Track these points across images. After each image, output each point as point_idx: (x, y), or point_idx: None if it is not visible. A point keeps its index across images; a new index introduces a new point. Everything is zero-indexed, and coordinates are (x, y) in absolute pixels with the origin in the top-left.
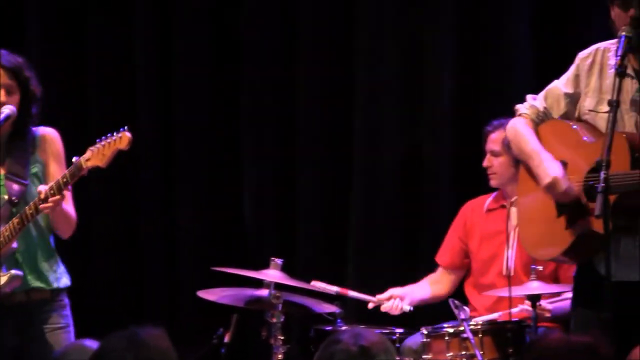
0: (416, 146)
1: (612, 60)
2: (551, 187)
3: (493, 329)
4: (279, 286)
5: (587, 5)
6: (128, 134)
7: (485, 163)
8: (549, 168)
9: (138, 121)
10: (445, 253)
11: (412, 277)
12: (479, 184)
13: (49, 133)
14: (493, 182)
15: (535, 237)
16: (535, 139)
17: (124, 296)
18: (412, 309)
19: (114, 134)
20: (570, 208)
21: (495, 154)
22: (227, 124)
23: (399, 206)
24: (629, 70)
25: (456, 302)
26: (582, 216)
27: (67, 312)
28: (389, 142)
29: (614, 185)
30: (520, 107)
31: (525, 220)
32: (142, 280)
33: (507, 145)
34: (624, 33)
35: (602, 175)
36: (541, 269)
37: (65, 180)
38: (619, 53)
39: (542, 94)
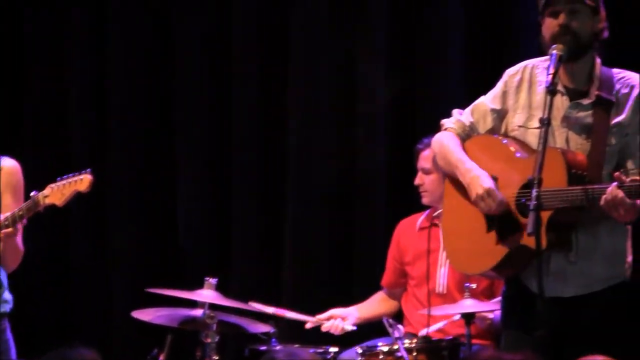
0: (350, 164)
1: (542, 77)
2: (484, 198)
3: (427, 347)
4: (213, 306)
5: (519, 23)
6: (89, 177)
7: (416, 181)
8: (481, 178)
9: (71, 140)
10: (385, 273)
11: (347, 295)
12: (413, 202)
13: (8, 165)
14: (425, 200)
15: (463, 252)
16: (462, 150)
17: (58, 317)
18: (355, 328)
19: (76, 174)
20: (501, 223)
21: (426, 172)
22: (162, 143)
23: (333, 225)
24: (560, 87)
25: (390, 320)
26: (514, 232)
27: (8, 335)
28: (323, 160)
29: (550, 202)
30: (446, 122)
31: (452, 235)
32: (76, 300)
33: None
34: (555, 51)
35: (534, 192)
36: (474, 287)
37: (20, 213)
38: (550, 71)
39: (468, 109)
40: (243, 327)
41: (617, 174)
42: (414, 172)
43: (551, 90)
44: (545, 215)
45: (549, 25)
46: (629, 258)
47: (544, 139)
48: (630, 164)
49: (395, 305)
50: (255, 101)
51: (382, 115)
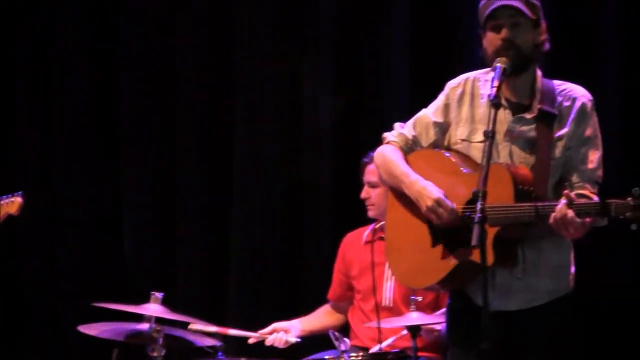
0: (296, 179)
1: (484, 90)
2: (435, 209)
3: None
4: (159, 320)
5: (462, 39)
6: (20, 200)
7: (362, 195)
8: (428, 189)
9: (15, 153)
10: (332, 287)
11: (294, 309)
12: (359, 216)
13: None
14: (371, 213)
15: (408, 266)
16: (406, 164)
17: (4, 331)
18: (299, 340)
19: (8, 196)
20: (446, 238)
21: (372, 185)
22: (107, 158)
23: (279, 239)
24: (502, 101)
25: (336, 333)
26: (459, 246)
27: None
28: (269, 175)
29: (497, 218)
30: (388, 135)
31: (396, 248)
32: (22, 314)
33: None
34: (499, 64)
35: (479, 205)
36: (420, 299)
37: None
38: (494, 83)
39: (410, 122)
40: (189, 340)
41: (565, 192)
42: (359, 186)
43: (495, 104)
44: (492, 231)
45: (492, 40)
46: (572, 269)
47: (489, 152)
48: (574, 178)
49: (341, 318)
50: (200, 119)
51: (327, 130)
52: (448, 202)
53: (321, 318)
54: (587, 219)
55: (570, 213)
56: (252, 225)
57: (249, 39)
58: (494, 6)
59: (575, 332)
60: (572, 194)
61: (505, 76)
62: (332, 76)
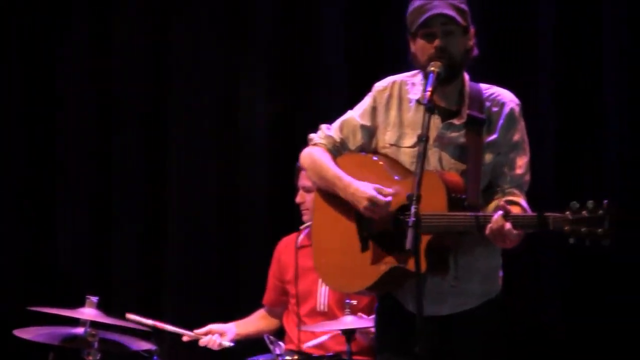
0: (232, 184)
1: (412, 94)
2: (369, 207)
3: None
4: (94, 324)
5: (398, 44)
6: None
7: (297, 199)
8: (361, 189)
9: None
10: (266, 291)
11: (229, 314)
12: (294, 221)
13: None
14: (306, 218)
15: (337, 271)
16: (336, 166)
17: None
18: (232, 344)
19: None
20: (377, 243)
21: (307, 190)
22: (42, 162)
23: (215, 243)
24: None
25: (271, 337)
26: (390, 252)
27: None
28: (205, 179)
29: (431, 226)
30: (314, 137)
31: (324, 251)
32: None
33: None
34: (433, 68)
35: (413, 209)
36: (355, 303)
37: None
38: (428, 88)
39: (337, 124)
40: (125, 344)
41: (502, 203)
42: (294, 190)
43: (429, 108)
44: (425, 239)
45: (424, 47)
46: (501, 273)
47: (423, 157)
48: (503, 183)
49: (276, 323)
50: (136, 124)
51: (263, 136)
52: (381, 197)
53: (256, 322)
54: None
55: (508, 225)
56: (189, 230)
57: (185, 45)
58: (428, 15)
59: (504, 334)
60: (508, 206)
61: (439, 81)
62: (268, 81)
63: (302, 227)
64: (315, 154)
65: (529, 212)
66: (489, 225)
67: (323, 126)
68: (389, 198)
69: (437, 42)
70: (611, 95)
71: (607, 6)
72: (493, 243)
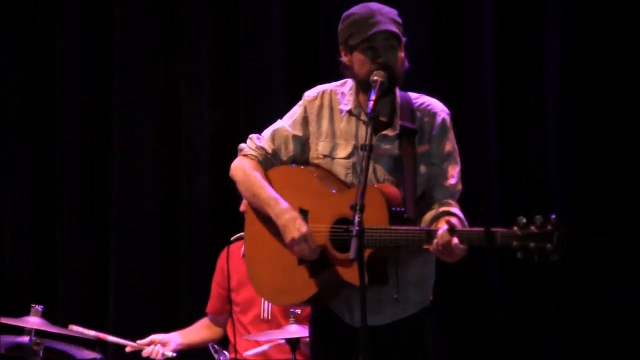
0: (175, 193)
1: (342, 105)
2: (299, 243)
3: None
4: (39, 333)
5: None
6: None
7: (242, 208)
8: (297, 222)
9: None
10: (210, 300)
11: (173, 321)
12: (237, 229)
13: None
14: None
15: (274, 284)
16: (269, 185)
17: None
18: (175, 354)
19: None
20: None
21: None
22: None
23: (158, 252)
24: (364, 117)
25: (215, 346)
26: (328, 266)
27: None
28: (148, 188)
29: (373, 239)
30: (244, 147)
31: (259, 265)
32: None
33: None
34: (376, 78)
35: (357, 218)
36: (299, 312)
37: None
38: (372, 97)
39: (267, 134)
40: (70, 353)
41: (447, 218)
42: (236, 199)
43: (373, 117)
44: (367, 252)
45: (364, 62)
46: (432, 281)
47: (366, 167)
48: (437, 194)
49: (219, 331)
50: (80, 131)
51: (206, 145)
52: (312, 240)
53: (200, 331)
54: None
55: (455, 240)
56: (132, 239)
57: (128, 55)
58: (374, 30)
59: (439, 339)
60: (453, 219)
61: (382, 90)
62: (210, 91)
63: (233, 239)
64: (247, 169)
65: (465, 222)
66: (435, 241)
67: (253, 136)
68: (317, 244)
69: (381, 59)
70: (552, 105)
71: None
72: (439, 257)
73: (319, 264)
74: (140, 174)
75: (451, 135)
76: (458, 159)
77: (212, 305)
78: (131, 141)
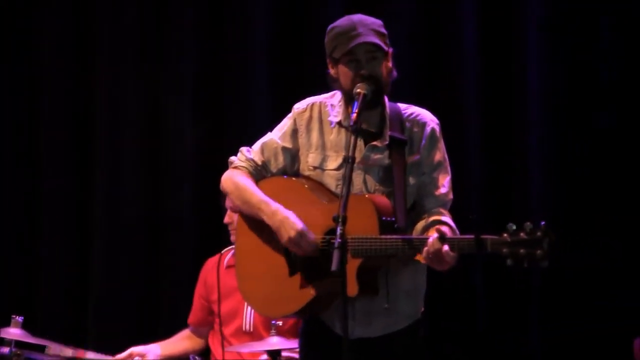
0: (158, 203)
1: (332, 116)
2: (297, 241)
3: None
4: (19, 344)
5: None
6: None
7: (226, 220)
8: (291, 220)
9: None
10: (192, 311)
11: (154, 334)
12: (220, 241)
13: None
14: (234, 238)
15: (265, 295)
16: (260, 190)
17: None
18: None
19: None
20: (305, 267)
21: (235, 210)
22: None
23: (141, 264)
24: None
25: (197, 357)
26: (319, 276)
27: None
28: (131, 198)
29: (363, 249)
30: (235, 160)
31: (250, 276)
32: None
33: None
34: (359, 90)
35: (339, 230)
36: (281, 324)
37: None
38: (355, 109)
39: (257, 147)
40: None
41: (437, 227)
42: (220, 211)
43: (355, 129)
44: (357, 262)
45: (348, 74)
46: (423, 292)
47: (349, 178)
48: (428, 203)
49: (201, 343)
50: (63, 142)
51: (189, 157)
52: (310, 234)
53: (181, 342)
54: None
55: (445, 248)
56: (114, 251)
57: (110, 68)
58: (355, 43)
59: (429, 352)
60: (443, 227)
61: (365, 103)
62: (193, 102)
63: (224, 251)
64: (237, 178)
65: (457, 231)
66: (426, 249)
67: (243, 149)
68: (313, 236)
69: (363, 70)
70: (534, 114)
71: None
72: (430, 265)
73: (309, 275)
74: (123, 185)
75: (441, 145)
76: (448, 169)
77: (194, 316)
78: (114, 152)
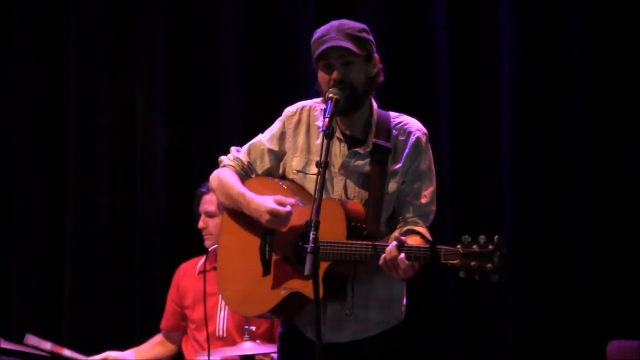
0: (130, 209)
1: (319, 121)
2: (273, 219)
3: None
4: None
5: (300, 69)
6: None
7: (200, 225)
8: (264, 202)
9: None
10: (165, 316)
11: (127, 338)
12: (192, 246)
13: None
14: (208, 243)
15: (239, 293)
16: (242, 184)
17: None
18: None
19: None
20: (277, 269)
21: (210, 215)
22: None
23: (114, 269)
24: (338, 134)
25: None
26: (289, 278)
27: None
28: (103, 204)
29: (330, 253)
30: (224, 159)
31: (227, 274)
32: None
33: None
34: (331, 95)
35: (312, 235)
36: (254, 329)
37: None
38: (327, 114)
39: (246, 147)
40: None
41: (396, 234)
42: (193, 216)
43: (328, 134)
44: (323, 265)
45: (323, 78)
46: (404, 301)
47: (321, 183)
48: (407, 212)
49: (173, 348)
50: (35, 147)
51: (162, 161)
52: (281, 208)
53: (154, 349)
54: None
55: (401, 256)
56: (87, 255)
57: (83, 71)
58: (323, 47)
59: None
60: (403, 237)
61: (338, 108)
62: (166, 107)
63: (210, 248)
64: (222, 175)
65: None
66: (383, 256)
67: (233, 148)
68: (289, 208)
69: (335, 74)
70: (508, 122)
71: (505, 36)
72: (387, 273)
73: (282, 276)
74: (96, 190)
75: (427, 155)
76: (434, 180)
77: (166, 321)
78: (85, 157)
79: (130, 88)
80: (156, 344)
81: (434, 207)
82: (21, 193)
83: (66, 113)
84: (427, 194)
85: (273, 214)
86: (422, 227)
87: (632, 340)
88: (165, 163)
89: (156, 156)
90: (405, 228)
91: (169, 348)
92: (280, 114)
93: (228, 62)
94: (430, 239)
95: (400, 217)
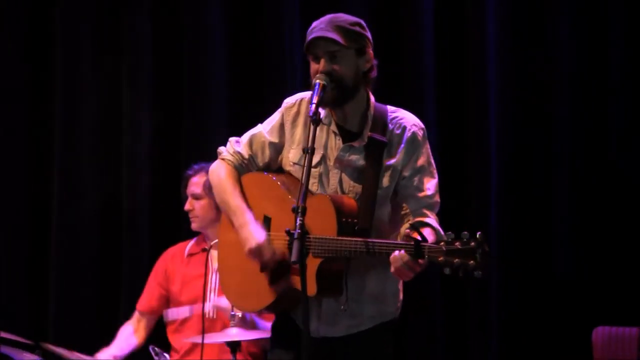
0: (115, 194)
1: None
2: (254, 254)
3: None
4: None
5: (282, 58)
6: None
7: (186, 207)
8: (254, 232)
9: None
10: (145, 299)
11: (113, 324)
12: (179, 230)
13: None
14: (194, 226)
15: (237, 289)
16: (240, 194)
17: None
18: None
19: None
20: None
21: (196, 197)
22: None
23: (99, 255)
24: (333, 127)
25: (156, 349)
26: (285, 274)
27: None
28: (88, 190)
29: (321, 249)
30: (223, 151)
31: (227, 269)
32: None
33: (208, 188)
34: (318, 81)
35: (298, 221)
36: (240, 315)
37: None
38: (314, 100)
39: (246, 139)
40: (10, 356)
41: (406, 231)
42: (178, 201)
43: (314, 120)
44: (316, 262)
45: (312, 69)
46: (400, 296)
47: (307, 168)
48: (411, 205)
49: (144, 335)
50: (20, 134)
51: (147, 147)
52: (266, 251)
53: (128, 341)
54: (421, 261)
55: (405, 257)
56: (73, 242)
57: (68, 57)
58: (309, 38)
59: (395, 357)
60: (412, 230)
61: (325, 98)
62: (151, 92)
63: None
64: (222, 174)
65: (440, 232)
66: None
67: (232, 139)
68: (272, 253)
69: (321, 65)
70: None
71: (491, 34)
72: (397, 276)
73: (277, 271)
74: (80, 177)
75: (424, 149)
76: (434, 172)
77: (149, 304)
78: (72, 143)
79: (116, 72)
80: (129, 336)
81: (438, 199)
82: (5, 181)
83: (52, 98)
84: (430, 187)
85: (257, 251)
86: (429, 217)
87: (618, 326)
88: (150, 148)
89: (141, 141)
90: (414, 220)
91: (141, 335)
92: (267, 99)
93: (215, 47)
94: (439, 227)
95: (408, 211)
